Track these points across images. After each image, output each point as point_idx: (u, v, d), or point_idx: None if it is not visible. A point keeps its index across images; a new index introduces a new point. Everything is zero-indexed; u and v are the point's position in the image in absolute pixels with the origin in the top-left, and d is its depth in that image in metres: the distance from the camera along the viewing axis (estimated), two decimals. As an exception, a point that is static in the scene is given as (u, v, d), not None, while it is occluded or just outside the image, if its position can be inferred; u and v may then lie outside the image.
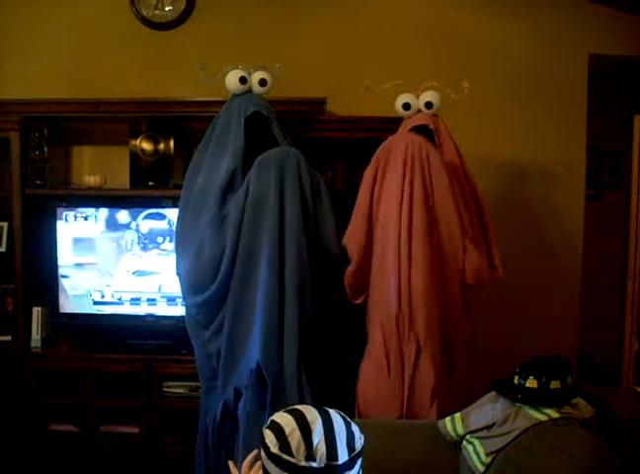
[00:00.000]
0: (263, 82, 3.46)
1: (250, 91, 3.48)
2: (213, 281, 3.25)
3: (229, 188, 3.31)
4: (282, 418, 1.57)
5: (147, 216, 3.98)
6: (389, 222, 3.21)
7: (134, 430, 3.95)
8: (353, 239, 3.31)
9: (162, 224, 3.99)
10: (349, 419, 1.61)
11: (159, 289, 4.01)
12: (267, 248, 3.16)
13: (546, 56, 4.30)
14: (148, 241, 4.00)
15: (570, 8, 4.28)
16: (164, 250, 3.98)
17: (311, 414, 1.56)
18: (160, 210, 3.98)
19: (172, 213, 3.88)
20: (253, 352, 3.18)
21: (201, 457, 3.39)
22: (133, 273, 4.01)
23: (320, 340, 3.30)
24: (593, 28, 4.29)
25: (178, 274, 3.41)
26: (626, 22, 4.30)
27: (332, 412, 1.59)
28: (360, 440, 1.58)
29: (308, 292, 3.21)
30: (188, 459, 3.56)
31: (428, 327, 3.15)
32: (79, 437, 3.97)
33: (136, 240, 3.99)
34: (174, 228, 3.64)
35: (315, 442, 1.50)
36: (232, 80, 3.44)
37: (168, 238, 3.96)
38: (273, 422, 1.57)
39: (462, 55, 4.25)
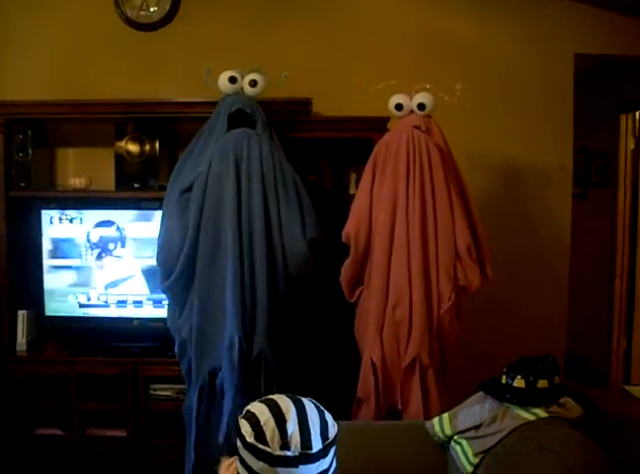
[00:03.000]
0: (253, 83, 3.50)
1: (242, 91, 3.52)
2: (178, 263, 3.35)
3: None
4: (257, 407, 1.57)
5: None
6: (387, 226, 3.31)
7: (121, 433, 3.91)
8: (352, 229, 3.40)
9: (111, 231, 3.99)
10: (322, 407, 1.61)
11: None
12: (229, 225, 3.27)
13: (532, 56, 4.31)
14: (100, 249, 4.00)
15: (555, 8, 4.28)
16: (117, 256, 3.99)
17: (285, 403, 1.56)
18: (143, 212, 3.97)
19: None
20: (227, 330, 3.26)
21: (191, 455, 3.40)
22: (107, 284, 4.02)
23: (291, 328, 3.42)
24: (578, 27, 4.30)
25: (156, 260, 3.52)
26: (611, 21, 4.30)
27: (305, 401, 1.60)
28: (333, 429, 1.59)
29: (277, 272, 3.34)
30: (175, 462, 3.54)
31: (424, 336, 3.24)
32: (65, 441, 3.93)
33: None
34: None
35: (290, 432, 1.51)
36: (223, 80, 3.49)
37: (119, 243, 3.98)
38: (248, 411, 1.58)
39: (450, 57, 4.25)
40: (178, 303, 3.45)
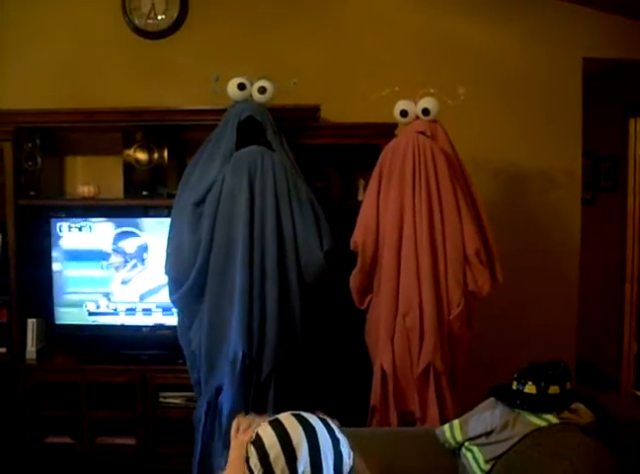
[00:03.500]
0: (262, 90, 3.51)
1: (250, 98, 3.53)
2: (190, 275, 3.34)
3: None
4: (267, 435, 1.50)
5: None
6: (394, 234, 3.31)
7: (131, 441, 3.92)
8: (359, 237, 3.39)
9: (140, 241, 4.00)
10: (337, 433, 1.54)
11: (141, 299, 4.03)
12: (241, 240, 3.26)
13: (541, 60, 4.30)
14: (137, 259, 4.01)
15: (563, 11, 4.28)
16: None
17: (297, 434, 1.49)
18: (152, 220, 4.00)
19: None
20: (232, 344, 3.24)
21: (195, 469, 3.40)
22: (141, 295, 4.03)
23: (305, 340, 3.40)
24: (586, 31, 4.29)
25: (165, 273, 3.50)
26: (619, 25, 4.30)
27: (318, 428, 1.52)
28: (348, 461, 1.53)
29: (290, 285, 3.33)
30: (184, 470, 3.54)
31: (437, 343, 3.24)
32: (75, 450, 3.94)
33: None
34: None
35: (300, 471, 1.44)
36: (232, 86, 3.51)
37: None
38: (258, 437, 1.51)
39: (457, 61, 4.25)
40: (187, 315, 3.45)
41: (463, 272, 3.28)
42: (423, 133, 3.37)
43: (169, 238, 3.51)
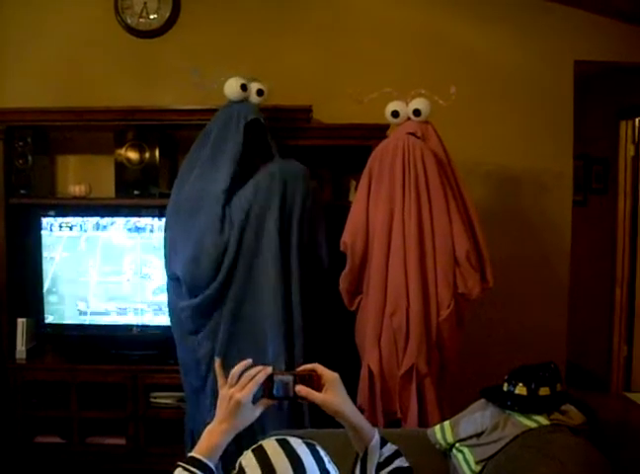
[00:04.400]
0: (260, 92, 3.51)
1: (247, 99, 3.52)
2: (213, 281, 3.29)
3: (230, 190, 3.34)
4: (251, 470, 1.41)
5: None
6: (384, 234, 3.30)
7: (121, 441, 3.90)
8: (348, 238, 3.38)
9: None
10: (327, 463, 1.45)
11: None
12: (273, 248, 3.26)
13: (532, 63, 4.31)
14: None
15: (555, 14, 4.29)
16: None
17: (283, 469, 1.39)
18: (145, 219, 3.96)
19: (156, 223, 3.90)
20: (271, 352, 3.24)
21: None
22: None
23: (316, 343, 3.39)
24: (578, 34, 4.30)
25: (171, 276, 3.45)
26: (611, 27, 4.31)
27: (306, 461, 1.41)
28: None
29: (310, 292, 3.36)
30: (175, 471, 3.53)
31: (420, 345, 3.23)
32: (65, 449, 3.92)
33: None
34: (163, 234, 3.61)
35: None
36: (233, 86, 3.48)
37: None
38: (241, 470, 1.43)
39: (449, 63, 4.25)
40: (196, 323, 3.36)
41: (453, 273, 3.29)
42: (413, 134, 3.36)
43: (169, 237, 3.47)
